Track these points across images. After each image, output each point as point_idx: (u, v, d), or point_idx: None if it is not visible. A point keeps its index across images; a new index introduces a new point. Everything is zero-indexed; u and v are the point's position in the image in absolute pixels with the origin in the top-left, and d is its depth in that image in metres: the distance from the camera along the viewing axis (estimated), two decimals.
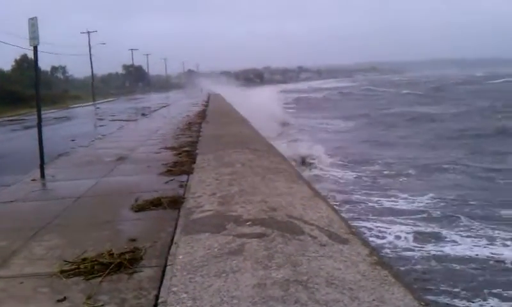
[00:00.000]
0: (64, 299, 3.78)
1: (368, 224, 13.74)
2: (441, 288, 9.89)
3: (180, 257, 4.22)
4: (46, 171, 9.77)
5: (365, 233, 7.98)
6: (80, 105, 54.89)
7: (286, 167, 9.12)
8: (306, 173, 18.42)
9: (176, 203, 6.67)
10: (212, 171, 8.49)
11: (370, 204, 16.18)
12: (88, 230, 5.69)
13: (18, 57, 66.95)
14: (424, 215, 14.80)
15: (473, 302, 9.39)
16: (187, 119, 22.94)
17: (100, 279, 4.13)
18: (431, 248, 11.99)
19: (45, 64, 77.79)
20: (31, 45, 9.68)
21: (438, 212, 15.05)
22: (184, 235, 4.89)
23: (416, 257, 11.46)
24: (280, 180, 7.44)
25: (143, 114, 30.19)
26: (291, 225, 4.90)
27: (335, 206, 6.65)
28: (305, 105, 69.41)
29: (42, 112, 10.56)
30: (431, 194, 17.11)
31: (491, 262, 11.20)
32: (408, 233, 13.03)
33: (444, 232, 13.11)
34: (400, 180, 20.20)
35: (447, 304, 9.27)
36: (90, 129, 23.23)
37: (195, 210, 5.85)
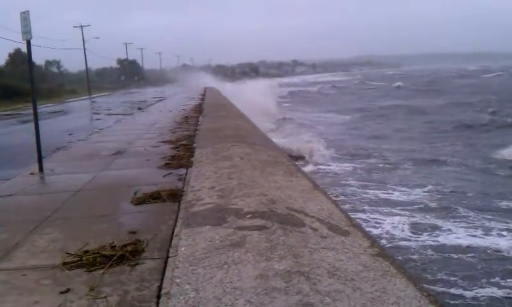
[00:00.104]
0: (68, 290, 3.80)
1: (364, 216, 13.85)
2: (437, 277, 9.99)
3: (182, 249, 4.24)
4: (44, 165, 9.76)
5: (362, 224, 8.01)
6: (76, 99, 54.83)
7: (284, 161, 9.15)
8: (304, 167, 18.46)
9: (175, 196, 6.69)
10: (210, 164, 8.50)
11: (366, 196, 16.27)
12: (88, 223, 5.70)
13: (11, 51, 66.78)
14: (421, 206, 14.91)
15: (470, 291, 9.49)
16: (183, 113, 22.90)
17: (102, 271, 4.15)
18: (427, 238, 12.09)
19: (39, 58, 77.67)
20: (23, 40, 9.63)
21: (435, 204, 15.16)
22: (185, 227, 4.92)
23: (413, 247, 11.56)
24: (279, 173, 7.47)
25: (140, 108, 30.10)
26: (291, 217, 4.93)
27: (334, 199, 6.68)
28: (300, 98, 69.91)
29: (38, 106, 10.54)
30: (429, 187, 17.21)
31: (488, 252, 11.31)
32: (404, 223, 13.15)
33: (441, 223, 13.21)
34: (397, 172, 20.30)
35: (443, 292, 9.36)
36: (87, 123, 23.20)
37: (195, 203, 5.87)
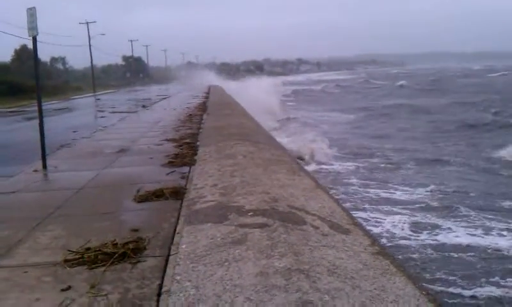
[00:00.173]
0: (69, 288, 3.81)
1: (366, 214, 13.88)
2: (436, 276, 10.00)
3: (184, 246, 4.26)
4: (48, 162, 9.79)
5: (363, 223, 8.03)
6: (81, 96, 54.94)
7: (287, 159, 9.16)
8: (307, 166, 18.47)
9: (178, 194, 6.70)
10: (213, 162, 8.52)
11: (368, 194, 16.28)
12: (90, 220, 5.72)
13: (17, 48, 66.92)
14: (423, 206, 14.91)
15: (469, 290, 9.49)
16: (187, 111, 22.93)
17: (103, 268, 4.16)
18: (428, 237, 12.10)
19: (44, 55, 77.78)
20: (29, 36, 9.65)
21: (437, 203, 15.15)
22: (186, 225, 4.93)
23: (413, 246, 11.57)
24: (282, 172, 7.47)
25: (144, 106, 30.15)
26: (293, 215, 4.94)
27: (336, 197, 6.69)
28: (304, 97, 69.99)
29: (43, 103, 10.57)
30: (431, 186, 17.19)
31: (488, 251, 11.31)
32: (405, 222, 13.17)
33: (442, 222, 13.22)
34: (400, 171, 20.30)
35: (442, 291, 9.37)
36: (91, 120, 23.22)
37: (198, 200, 5.89)
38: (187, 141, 12.47)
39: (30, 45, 9.89)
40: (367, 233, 4.70)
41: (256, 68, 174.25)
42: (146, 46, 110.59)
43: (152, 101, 35.49)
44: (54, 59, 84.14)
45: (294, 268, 3.51)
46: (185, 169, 8.71)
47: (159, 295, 3.57)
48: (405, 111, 45.43)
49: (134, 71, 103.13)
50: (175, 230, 5.04)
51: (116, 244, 4.67)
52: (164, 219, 5.56)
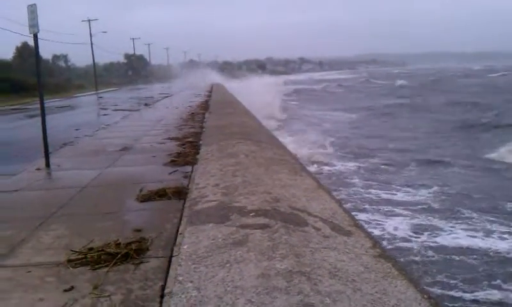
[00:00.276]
0: (71, 288, 3.82)
1: (367, 216, 13.89)
2: (437, 279, 10.02)
3: (185, 247, 4.28)
4: (51, 160, 9.80)
5: (364, 225, 8.03)
6: (83, 94, 55.10)
7: (289, 159, 9.17)
8: (309, 166, 18.48)
9: (180, 193, 6.71)
10: (215, 162, 8.53)
11: (370, 196, 16.29)
12: (93, 220, 5.74)
13: (19, 45, 67.00)
14: (424, 207, 14.92)
15: (470, 293, 9.51)
16: (190, 110, 22.96)
17: (106, 269, 4.17)
18: (429, 239, 12.11)
19: (46, 52, 77.95)
20: (30, 33, 9.63)
21: (439, 205, 15.16)
22: (188, 225, 4.95)
23: (415, 248, 11.58)
24: (284, 172, 7.49)
25: (146, 104, 30.21)
26: (295, 216, 4.95)
27: (338, 198, 6.70)
28: (306, 96, 70.07)
29: (45, 101, 10.59)
30: (434, 187, 17.19)
31: (489, 254, 11.32)
32: (407, 224, 13.17)
33: (444, 224, 13.22)
34: (401, 172, 20.30)
35: (443, 294, 9.38)
36: (94, 118, 23.29)
37: (199, 200, 5.91)
38: (190, 139, 12.48)
39: (31, 42, 9.90)
40: (369, 235, 4.71)
41: (259, 66, 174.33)
42: (148, 44, 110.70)
43: (155, 99, 35.53)
44: (55, 57, 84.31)
45: (296, 270, 3.52)
46: (188, 168, 8.72)
47: (161, 296, 3.57)
48: (405, 111, 45.64)
49: (135, 69, 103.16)
50: (177, 231, 5.04)
51: (119, 244, 4.68)
52: (166, 219, 5.57)
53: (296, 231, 4.45)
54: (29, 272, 4.22)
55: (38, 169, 9.47)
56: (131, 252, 4.44)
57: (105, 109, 28.11)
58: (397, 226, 13.05)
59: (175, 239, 4.78)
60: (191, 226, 4.87)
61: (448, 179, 18.78)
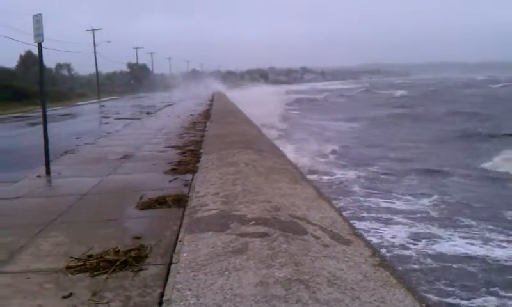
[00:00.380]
0: (70, 295, 3.82)
1: (367, 224, 13.92)
2: (435, 287, 10.02)
3: (184, 255, 4.28)
4: (51, 168, 9.82)
5: (364, 234, 8.05)
6: (86, 102, 55.23)
7: (290, 168, 9.18)
8: (310, 175, 18.48)
9: (180, 201, 6.71)
10: (216, 170, 8.54)
11: (369, 204, 16.29)
12: (93, 227, 5.74)
13: (23, 54, 67.29)
14: (424, 215, 14.94)
15: (466, 300, 9.50)
16: (191, 119, 23.01)
17: (105, 276, 4.17)
18: (428, 247, 12.12)
19: (50, 61, 78.34)
20: (35, 42, 9.72)
21: (438, 213, 15.17)
22: (188, 233, 4.95)
23: (413, 256, 11.59)
24: (284, 181, 7.49)
25: (148, 113, 30.28)
26: (294, 225, 4.95)
27: (338, 207, 6.70)
28: (308, 106, 70.39)
29: (48, 109, 10.64)
30: (434, 196, 17.20)
31: (488, 262, 11.33)
32: (406, 233, 13.19)
33: (443, 232, 13.24)
34: (401, 181, 20.31)
35: (440, 301, 9.38)
36: (95, 126, 23.33)
37: (199, 208, 5.91)
38: (191, 148, 12.50)
39: (35, 51, 9.96)
40: (368, 244, 4.71)
41: (261, 76, 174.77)
42: (151, 53, 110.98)
43: (156, 108, 35.61)
44: (59, 66, 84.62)
45: (294, 278, 3.52)
46: (188, 176, 8.73)
47: (160, 303, 3.57)
48: (405, 120, 45.94)
49: (138, 78, 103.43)
50: (177, 238, 5.04)
51: (118, 251, 4.68)
52: (166, 226, 5.57)
53: (296, 240, 4.44)
54: (28, 278, 4.23)
55: (39, 176, 9.48)
56: (130, 260, 4.44)
57: (107, 117, 28.17)
58: (396, 234, 13.07)
59: (174, 247, 4.78)
60: (190, 234, 4.87)
61: (446, 188, 18.83)
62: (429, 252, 11.94)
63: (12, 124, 25.84)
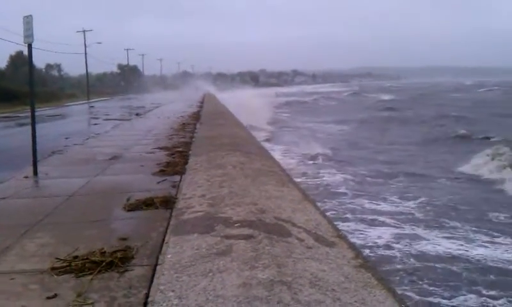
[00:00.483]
0: (55, 296, 3.83)
1: (352, 226, 14.02)
2: (418, 286, 10.12)
3: (169, 256, 4.31)
4: (39, 169, 9.80)
5: (348, 235, 8.13)
6: (75, 103, 55.02)
7: (277, 170, 9.22)
8: (298, 177, 18.55)
9: (168, 203, 6.72)
10: (203, 172, 8.56)
11: (355, 207, 16.39)
12: (80, 228, 5.75)
13: (13, 54, 66.95)
14: (409, 217, 15.08)
15: (447, 300, 9.62)
16: (181, 120, 23.00)
17: (90, 277, 4.18)
18: (412, 248, 12.26)
19: (40, 61, 78.05)
20: (25, 43, 9.71)
21: (424, 215, 15.32)
22: (173, 235, 4.98)
23: (398, 257, 11.71)
24: (271, 183, 7.53)
25: (137, 114, 30.23)
26: (279, 227, 4.99)
27: (323, 210, 6.75)
28: (297, 108, 70.85)
29: (37, 109, 10.62)
30: (421, 198, 17.33)
31: (472, 262, 11.47)
32: (391, 234, 13.31)
33: (428, 234, 13.38)
34: (389, 183, 20.44)
35: (422, 300, 9.48)
36: (84, 127, 23.26)
37: (186, 210, 5.94)
38: (180, 149, 12.51)
39: (26, 52, 9.95)
40: (352, 246, 4.76)
41: (252, 78, 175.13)
42: (142, 55, 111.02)
43: (146, 109, 35.56)
44: (49, 66, 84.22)
45: (277, 279, 3.56)
46: (177, 178, 8.73)
47: (145, 304, 3.59)
48: (391, 123, 46.28)
49: (128, 79, 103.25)
50: (163, 240, 5.04)
51: (104, 252, 4.69)
52: (153, 228, 5.58)
53: (280, 242, 4.48)
54: (13, 279, 4.22)
55: (26, 177, 9.46)
56: (116, 261, 4.45)
57: (96, 118, 28.11)
58: (381, 235, 13.19)
59: (161, 248, 4.79)
60: (176, 236, 4.90)
61: (414, 190, 18.95)
62: (413, 252, 12.07)
63: (0, 124, 25.69)
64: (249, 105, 48.75)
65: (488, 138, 32.35)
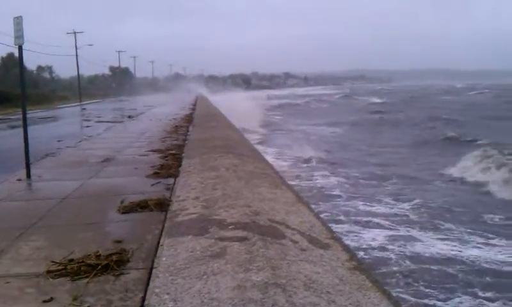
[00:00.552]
0: (51, 299, 3.83)
1: (346, 227, 14.05)
2: (413, 288, 10.16)
3: (164, 259, 4.33)
4: (32, 171, 9.78)
5: (342, 238, 8.16)
6: (67, 105, 54.80)
7: (270, 173, 9.26)
8: (291, 179, 18.58)
9: (162, 205, 6.74)
10: (197, 174, 8.59)
11: (349, 209, 16.42)
12: (74, 231, 5.75)
13: (4, 55, 66.61)
14: (404, 219, 15.14)
15: (443, 302, 9.67)
16: (173, 123, 22.98)
17: (86, 280, 4.19)
18: (407, 250, 12.30)
19: (31, 63, 77.67)
20: (15, 45, 9.68)
21: (418, 217, 15.38)
22: (167, 237, 5.00)
23: (392, 259, 11.75)
24: (264, 185, 7.57)
25: (130, 116, 30.15)
26: (273, 229, 5.02)
27: (317, 212, 6.79)
28: (289, 110, 71.04)
29: (29, 111, 10.60)
30: (416, 200, 17.41)
31: (467, 263, 11.51)
32: (386, 236, 13.36)
33: (423, 235, 13.44)
34: (382, 186, 20.49)
35: (417, 303, 9.52)
36: (77, 130, 23.20)
37: (180, 213, 5.96)
38: (173, 152, 12.52)
39: (17, 54, 9.92)
40: (346, 248, 4.80)
41: (244, 81, 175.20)
42: (134, 57, 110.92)
43: (138, 111, 35.49)
44: (40, 68, 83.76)
45: (271, 282, 3.59)
46: (171, 180, 8.75)
47: None
48: (380, 126, 46.58)
49: (120, 81, 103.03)
50: (158, 242, 5.05)
51: (100, 255, 4.70)
52: (148, 230, 5.59)
53: (274, 244, 4.52)
54: (8, 283, 4.22)
55: (19, 179, 9.44)
56: (111, 264, 4.46)
57: (89, 120, 28.04)
58: (375, 237, 13.23)
59: (156, 251, 4.80)
60: (170, 238, 4.92)
61: (407, 192, 19.03)
62: (407, 254, 12.12)
63: None
64: (241, 108, 48.76)
65: (477, 141, 32.50)
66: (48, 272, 4.38)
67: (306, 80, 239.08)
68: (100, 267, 4.41)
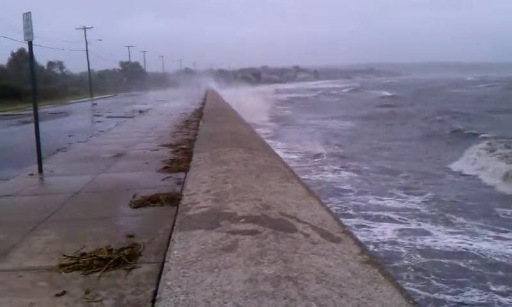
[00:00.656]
0: (64, 293, 3.85)
1: (357, 221, 14.01)
2: (424, 282, 10.12)
3: (175, 252, 4.33)
4: (44, 166, 9.84)
5: (354, 231, 8.13)
6: (78, 100, 55.11)
7: (281, 166, 9.24)
8: (301, 173, 18.55)
9: (173, 199, 6.75)
10: (207, 168, 8.59)
11: (361, 203, 16.35)
12: (86, 225, 5.77)
13: (15, 51, 66.90)
14: (416, 213, 15.06)
15: (453, 296, 9.62)
16: (184, 117, 23.01)
17: (98, 274, 4.21)
18: (419, 243, 12.24)
19: (42, 59, 78.04)
20: (25, 40, 9.72)
21: (430, 211, 15.29)
22: (179, 231, 5.00)
23: (403, 253, 11.70)
24: (275, 179, 7.56)
25: (140, 111, 30.22)
26: (284, 223, 5.02)
27: (328, 205, 6.77)
28: (300, 104, 70.82)
29: (40, 107, 10.64)
30: (427, 194, 17.32)
31: (479, 257, 11.44)
32: (396, 230, 13.30)
33: (435, 229, 13.37)
34: (394, 180, 20.38)
35: (427, 297, 9.47)
36: (88, 125, 23.33)
37: (190, 206, 5.97)
38: (184, 146, 12.53)
39: (27, 49, 9.96)
40: (357, 242, 4.78)
41: (254, 75, 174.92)
42: (144, 52, 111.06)
43: (149, 106, 35.57)
44: (50, 64, 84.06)
45: (283, 275, 3.58)
46: (181, 174, 8.76)
47: (153, 301, 3.60)
48: (394, 119, 46.39)
49: (131, 76, 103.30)
50: (170, 236, 5.06)
51: (112, 249, 4.72)
52: (159, 225, 5.60)
53: (285, 237, 4.51)
54: (21, 276, 4.25)
55: (31, 174, 9.50)
56: (123, 258, 4.48)
57: (99, 115, 28.16)
58: (385, 231, 13.19)
59: (168, 245, 4.80)
60: (181, 232, 4.93)
61: (418, 186, 18.92)
62: (418, 247, 12.07)
63: (4, 122, 25.72)
64: (251, 102, 48.76)
65: (483, 134, 32.22)
66: (61, 265, 4.41)
67: (316, 74, 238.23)
68: (112, 260, 4.43)
